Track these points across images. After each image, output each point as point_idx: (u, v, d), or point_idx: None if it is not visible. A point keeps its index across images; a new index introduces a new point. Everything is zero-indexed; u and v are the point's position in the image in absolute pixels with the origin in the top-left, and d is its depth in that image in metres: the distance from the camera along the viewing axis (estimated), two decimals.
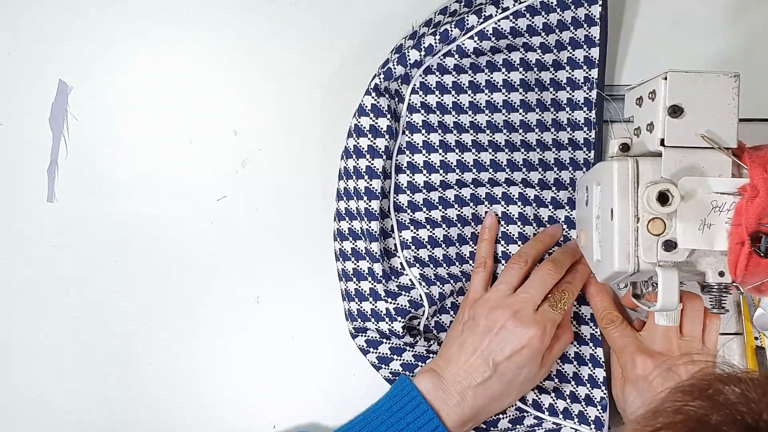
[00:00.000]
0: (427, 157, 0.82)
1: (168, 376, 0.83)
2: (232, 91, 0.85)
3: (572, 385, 0.80)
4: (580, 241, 0.76)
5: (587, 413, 0.79)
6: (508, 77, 0.82)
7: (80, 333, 0.83)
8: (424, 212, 0.81)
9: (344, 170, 0.81)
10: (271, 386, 0.83)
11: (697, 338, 0.77)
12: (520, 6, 0.80)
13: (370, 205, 0.79)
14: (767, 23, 0.85)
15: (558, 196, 0.81)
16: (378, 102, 0.79)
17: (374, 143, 0.79)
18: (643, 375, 0.75)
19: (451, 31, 0.80)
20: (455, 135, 0.82)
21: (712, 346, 0.78)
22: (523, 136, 0.82)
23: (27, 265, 0.84)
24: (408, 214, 0.82)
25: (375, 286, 0.79)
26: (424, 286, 0.79)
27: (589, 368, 0.80)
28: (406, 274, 0.80)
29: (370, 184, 0.79)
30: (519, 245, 0.80)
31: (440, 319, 0.82)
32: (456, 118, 0.82)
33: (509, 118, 0.82)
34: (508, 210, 0.81)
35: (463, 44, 0.81)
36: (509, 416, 0.80)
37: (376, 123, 0.79)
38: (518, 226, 0.81)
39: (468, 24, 0.80)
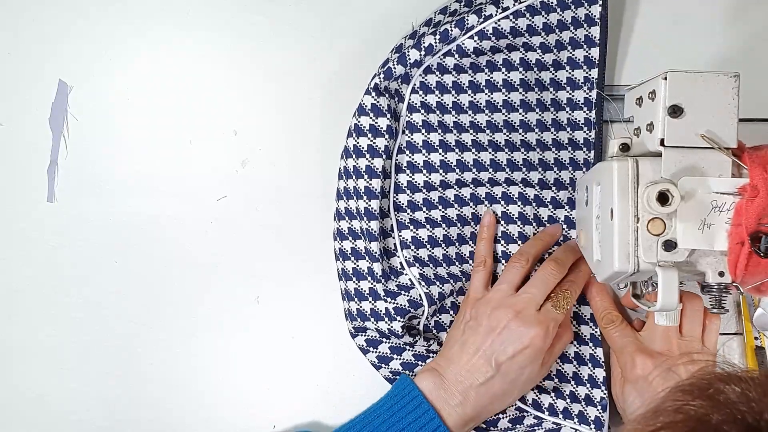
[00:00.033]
0: (426, 156, 0.82)
1: (168, 376, 0.83)
2: (232, 91, 0.85)
3: (572, 385, 0.80)
4: (580, 241, 0.76)
5: (587, 413, 0.79)
6: (508, 77, 0.82)
7: (80, 333, 0.83)
8: (424, 212, 0.81)
9: (344, 170, 0.81)
10: (271, 386, 0.83)
11: (697, 338, 0.77)
12: (520, 6, 0.80)
13: (369, 205, 0.79)
14: (767, 23, 0.85)
15: (558, 195, 0.82)
16: (378, 101, 0.80)
17: (374, 143, 0.79)
18: (642, 375, 0.75)
19: (451, 30, 0.80)
20: (455, 135, 0.82)
21: (711, 346, 0.78)
22: (523, 135, 0.82)
23: (27, 265, 0.84)
24: (408, 213, 0.82)
25: (374, 285, 0.79)
26: (423, 286, 0.79)
27: (589, 368, 0.80)
28: (406, 274, 0.80)
29: (370, 184, 0.79)
30: (519, 245, 0.80)
31: (440, 319, 0.82)
32: (456, 117, 0.82)
33: (509, 118, 0.82)
34: (507, 210, 0.81)
35: (463, 44, 0.81)
36: (509, 416, 0.80)
37: (376, 122, 0.79)
38: (518, 226, 0.81)
39: (468, 24, 0.80)
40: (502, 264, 0.81)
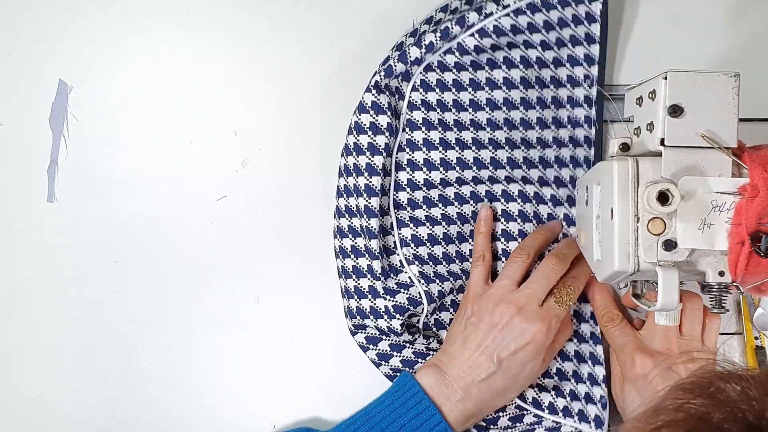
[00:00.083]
0: (427, 154, 0.82)
1: (168, 376, 0.83)
2: (232, 91, 0.85)
3: (572, 383, 0.80)
4: (580, 241, 0.76)
5: (587, 411, 0.79)
6: (509, 74, 0.82)
7: (80, 333, 0.83)
8: (424, 210, 0.82)
9: (344, 167, 0.81)
10: (271, 386, 0.83)
11: (697, 337, 0.77)
12: (521, 3, 0.81)
13: (369, 203, 0.79)
14: (767, 23, 0.85)
15: (557, 193, 0.82)
16: (378, 99, 0.80)
17: (374, 140, 0.80)
18: (642, 374, 0.75)
19: (452, 28, 0.80)
20: (455, 132, 0.82)
21: (711, 346, 0.78)
22: (523, 133, 0.82)
23: (27, 265, 0.84)
24: (408, 211, 0.82)
25: (374, 283, 0.79)
26: (423, 284, 0.80)
27: (589, 366, 0.80)
28: (406, 272, 0.80)
29: (370, 181, 0.79)
30: (519, 242, 0.80)
31: (440, 317, 0.82)
32: (456, 115, 0.82)
33: (509, 116, 0.82)
34: (507, 207, 0.81)
35: (464, 41, 0.81)
36: (509, 414, 0.80)
37: (377, 120, 0.80)
38: (518, 223, 0.81)
39: (469, 21, 0.80)
40: (502, 262, 0.81)
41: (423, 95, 0.82)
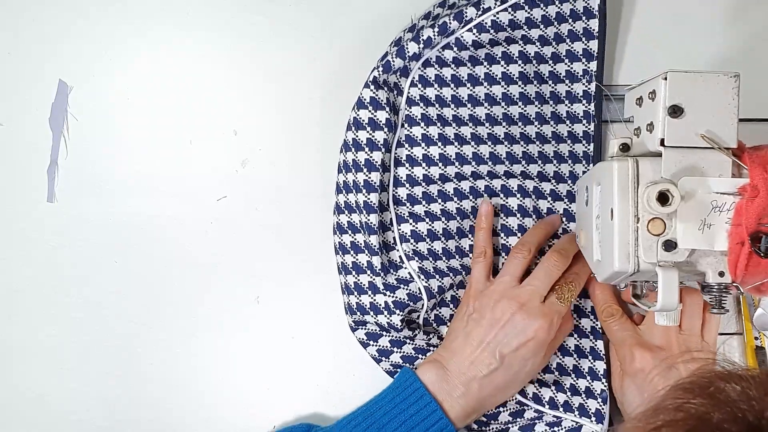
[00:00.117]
0: (426, 150, 0.82)
1: (168, 376, 0.83)
2: (232, 91, 0.85)
3: (572, 378, 0.80)
4: (580, 241, 0.76)
5: (588, 406, 0.79)
6: (507, 70, 0.82)
7: (80, 333, 0.83)
8: (423, 205, 0.82)
9: (343, 163, 0.81)
10: (271, 386, 0.83)
11: (696, 333, 0.77)
12: None
13: (368, 198, 0.79)
14: (767, 23, 0.85)
15: (557, 188, 0.82)
16: (377, 95, 0.80)
17: (373, 136, 0.80)
18: (641, 369, 0.75)
19: (450, 23, 0.80)
20: (454, 128, 0.82)
21: (711, 341, 0.78)
22: (522, 128, 0.82)
23: (27, 265, 0.84)
24: (407, 207, 0.82)
25: (374, 279, 0.79)
26: (422, 280, 0.80)
27: (590, 361, 0.80)
28: (405, 268, 0.81)
29: (369, 177, 0.79)
30: (518, 237, 0.80)
31: (440, 313, 0.82)
32: (455, 111, 0.82)
33: (508, 111, 0.82)
34: (507, 202, 0.81)
35: (462, 37, 0.81)
36: (510, 409, 0.80)
37: (375, 116, 0.80)
38: (517, 218, 0.81)
39: (467, 16, 0.80)
40: (503, 257, 0.81)
41: (421, 91, 0.82)
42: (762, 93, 0.82)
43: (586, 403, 0.79)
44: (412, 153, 0.82)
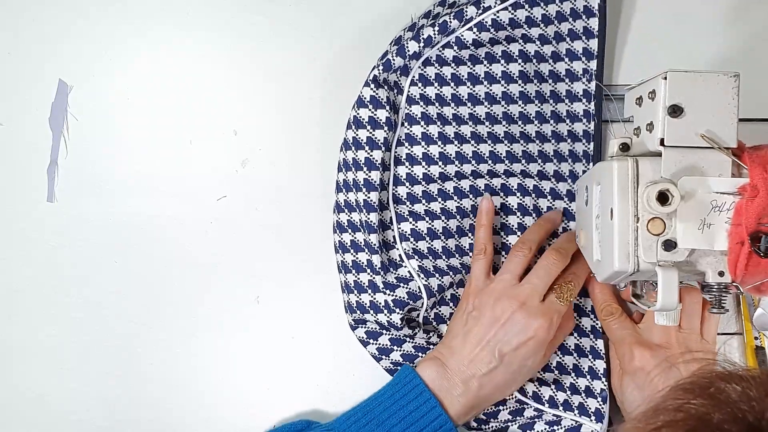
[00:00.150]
0: (426, 149, 0.82)
1: (168, 376, 0.83)
2: (232, 91, 0.85)
3: (572, 377, 0.80)
4: (580, 241, 0.76)
5: (587, 405, 0.79)
6: (507, 69, 0.82)
7: (80, 333, 0.83)
8: (423, 204, 0.82)
9: (343, 162, 0.81)
10: (271, 386, 0.83)
11: (696, 331, 0.77)
12: None
13: (368, 197, 0.79)
14: (767, 23, 0.85)
15: (557, 187, 0.82)
16: (377, 93, 0.80)
17: (373, 135, 0.80)
18: (641, 367, 0.75)
19: (450, 22, 0.80)
20: (454, 127, 0.82)
21: (711, 339, 0.78)
22: (522, 127, 0.83)
23: (27, 265, 0.84)
24: (407, 206, 0.82)
25: (374, 278, 0.79)
26: (422, 278, 0.80)
27: (590, 360, 0.81)
28: (405, 266, 0.81)
29: (369, 176, 0.79)
30: (518, 236, 0.80)
31: (440, 311, 0.82)
32: (455, 109, 0.82)
33: (508, 110, 0.82)
34: (507, 201, 0.82)
35: (462, 35, 0.81)
36: (509, 408, 0.80)
37: (375, 114, 0.80)
38: (517, 217, 0.81)
39: (467, 15, 0.80)
40: (503, 255, 0.81)
41: (422, 89, 0.82)
42: (762, 93, 0.82)
43: (585, 402, 0.80)
44: (412, 152, 0.82)
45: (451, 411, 0.74)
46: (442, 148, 0.82)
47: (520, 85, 0.82)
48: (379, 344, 0.80)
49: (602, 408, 0.79)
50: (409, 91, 0.82)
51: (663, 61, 0.83)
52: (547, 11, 0.81)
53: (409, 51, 0.81)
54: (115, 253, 0.84)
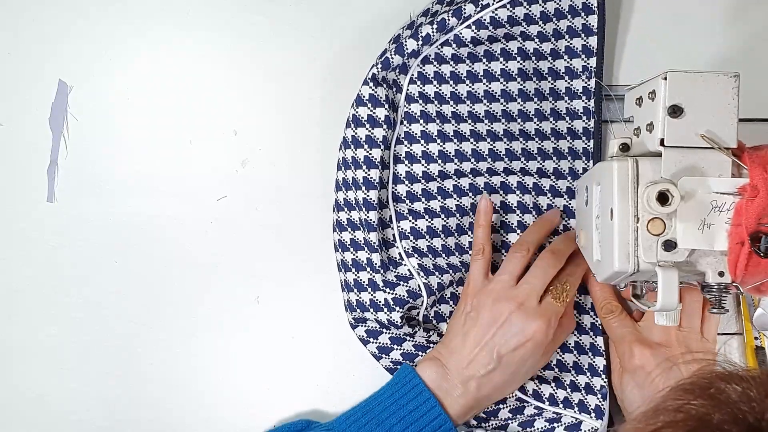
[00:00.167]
0: (425, 147, 0.82)
1: (168, 376, 0.83)
2: (232, 91, 0.85)
3: (572, 375, 0.80)
4: (580, 241, 0.76)
5: (587, 402, 0.79)
6: (506, 66, 0.82)
7: (80, 333, 0.83)
8: (423, 202, 0.82)
9: (342, 160, 0.81)
10: (271, 386, 0.83)
11: (696, 330, 0.77)
12: None
13: (368, 195, 0.79)
14: (767, 23, 0.85)
15: (557, 185, 0.82)
16: (376, 92, 0.80)
17: (372, 133, 0.80)
18: (641, 365, 0.75)
19: (449, 20, 0.80)
20: (453, 125, 0.82)
21: (711, 338, 0.78)
22: (521, 125, 0.83)
23: (27, 265, 0.84)
24: (406, 204, 0.82)
25: (373, 276, 0.79)
26: (422, 277, 0.80)
27: (590, 357, 0.81)
28: (405, 265, 0.81)
29: (368, 175, 0.79)
30: (518, 234, 0.80)
31: (440, 310, 0.82)
32: (454, 108, 0.82)
33: (507, 108, 0.82)
34: (506, 199, 0.82)
35: (461, 33, 0.81)
36: (509, 406, 0.80)
37: (374, 113, 0.80)
38: (517, 215, 0.81)
39: (465, 13, 0.80)
40: (503, 254, 0.81)
41: (421, 87, 0.82)
42: (762, 93, 0.82)
43: (585, 399, 0.80)
44: (411, 150, 0.82)
45: (451, 411, 0.74)
46: (441, 146, 0.82)
47: (519, 82, 0.82)
48: (380, 343, 0.80)
49: (602, 405, 0.79)
50: (408, 90, 0.82)
51: (663, 61, 0.83)
52: (545, 9, 0.82)
53: (407, 49, 0.81)
54: (115, 253, 0.84)
